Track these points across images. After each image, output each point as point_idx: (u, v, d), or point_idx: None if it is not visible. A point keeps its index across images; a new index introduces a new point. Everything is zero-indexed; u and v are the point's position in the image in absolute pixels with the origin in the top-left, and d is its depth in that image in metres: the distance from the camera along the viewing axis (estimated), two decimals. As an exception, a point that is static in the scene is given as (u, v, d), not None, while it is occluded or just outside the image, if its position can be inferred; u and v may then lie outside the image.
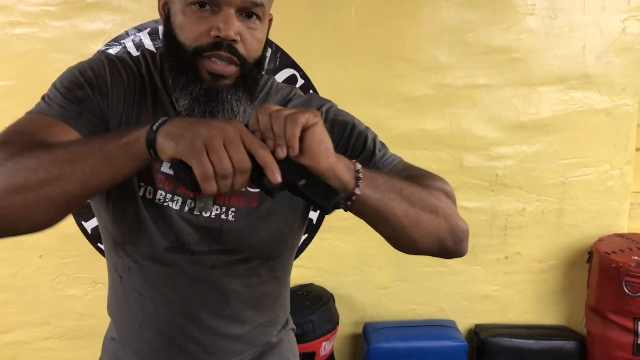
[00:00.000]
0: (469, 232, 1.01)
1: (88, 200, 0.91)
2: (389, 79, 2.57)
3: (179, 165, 0.75)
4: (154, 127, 0.78)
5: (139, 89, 1.03)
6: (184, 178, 0.75)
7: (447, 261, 2.74)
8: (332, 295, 2.66)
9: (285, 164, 0.77)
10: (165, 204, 1.01)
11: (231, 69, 0.95)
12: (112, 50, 2.41)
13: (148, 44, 2.41)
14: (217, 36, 0.92)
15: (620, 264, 2.48)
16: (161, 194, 1.01)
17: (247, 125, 0.81)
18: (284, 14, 2.43)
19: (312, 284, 2.69)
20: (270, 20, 1.04)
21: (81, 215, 2.51)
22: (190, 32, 0.94)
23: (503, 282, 2.81)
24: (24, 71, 2.38)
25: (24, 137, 0.86)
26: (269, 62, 2.47)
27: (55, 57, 2.39)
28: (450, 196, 0.99)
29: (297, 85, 2.48)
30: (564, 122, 2.68)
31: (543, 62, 2.62)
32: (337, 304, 2.67)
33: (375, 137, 1.10)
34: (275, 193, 0.77)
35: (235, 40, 0.93)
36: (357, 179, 0.86)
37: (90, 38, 2.41)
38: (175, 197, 1.01)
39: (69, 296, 2.60)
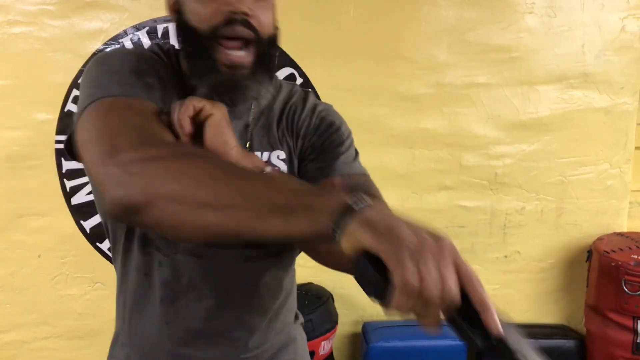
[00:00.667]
0: None
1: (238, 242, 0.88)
2: (388, 78, 2.56)
3: (368, 261, 0.61)
4: (350, 206, 0.65)
5: (174, 82, 1.03)
6: (373, 279, 0.60)
7: (446, 260, 2.73)
8: (331, 295, 2.65)
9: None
10: None
11: (247, 57, 0.97)
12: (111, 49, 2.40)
13: (146, 42, 2.40)
14: (230, 11, 0.93)
15: (620, 263, 2.48)
16: None
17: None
18: (283, 12, 2.43)
19: (311, 283, 2.68)
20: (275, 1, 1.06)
21: (80, 215, 2.50)
22: (203, 13, 0.95)
23: (502, 281, 2.81)
24: (22, 70, 2.38)
25: (141, 127, 0.83)
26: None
27: (53, 57, 2.38)
28: None
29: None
30: (563, 121, 2.68)
31: (542, 61, 2.62)
32: (336, 303, 2.67)
33: (350, 147, 1.10)
34: (484, 350, 0.59)
35: (247, 14, 0.94)
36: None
37: (88, 37, 2.40)
38: None
39: (68, 296, 2.59)
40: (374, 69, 2.54)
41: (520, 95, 2.64)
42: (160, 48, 1.08)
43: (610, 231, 2.78)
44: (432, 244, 0.60)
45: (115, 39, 2.40)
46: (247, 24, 0.95)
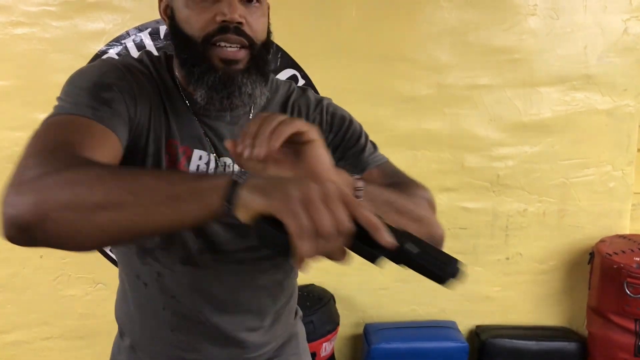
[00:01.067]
0: (444, 238, 1.03)
1: (136, 240, 0.87)
2: (390, 79, 2.56)
3: (267, 222, 0.65)
4: (238, 180, 0.69)
5: (156, 92, 1.04)
6: (274, 237, 0.64)
7: (448, 262, 2.73)
8: (332, 296, 2.65)
9: (388, 229, 0.66)
10: None
11: (242, 54, 0.98)
12: (113, 50, 2.40)
13: (149, 44, 2.41)
14: (223, 21, 0.95)
15: (622, 265, 2.48)
16: None
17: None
18: (285, 14, 2.44)
19: (312, 284, 2.68)
20: (268, 7, 1.07)
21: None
22: (196, 22, 0.96)
23: (504, 283, 2.80)
24: (24, 71, 2.38)
25: (66, 143, 0.82)
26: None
27: (55, 57, 2.39)
28: (432, 205, 1.02)
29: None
30: (565, 122, 2.67)
31: (544, 63, 2.61)
32: (337, 305, 2.66)
33: (367, 136, 1.15)
34: (379, 259, 0.67)
35: (240, 23, 0.96)
36: (357, 195, 0.87)
37: (91, 38, 2.41)
38: None
39: (69, 296, 2.60)
40: (376, 70, 2.54)
41: (522, 96, 2.64)
42: (149, 57, 1.08)
43: (613, 233, 2.77)
44: (314, 187, 0.64)
45: (117, 39, 2.41)
46: (240, 32, 0.96)
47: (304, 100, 1.14)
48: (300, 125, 0.79)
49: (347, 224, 0.64)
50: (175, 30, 1.01)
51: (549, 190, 2.73)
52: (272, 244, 0.65)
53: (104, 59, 1.07)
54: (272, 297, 1.16)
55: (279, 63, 2.48)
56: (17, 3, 2.36)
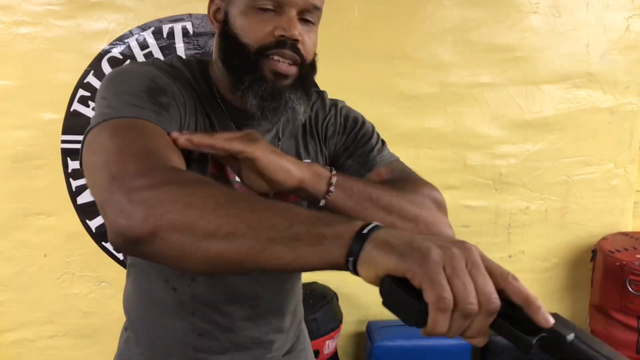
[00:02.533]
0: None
1: (246, 273, 0.84)
2: (392, 77, 2.57)
3: (398, 284, 0.57)
4: (364, 231, 0.62)
5: (194, 95, 1.03)
6: (406, 303, 0.56)
7: (450, 260, 2.73)
8: (335, 294, 2.66)
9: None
10: None
11: (293, 70, 0.99)
12: (116, 50, 2.41)
13: (152, 43, 2.41)
14: (281, 35, 0.95)
15: (625, 263, 2.48)
16: None
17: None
18: (287, 12, 2.44)
19: (315, 282, 2.69)
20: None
21: (85, 214, 2.51)
22: (254, 32, 0.96)
23: (507, 280, 2.80)
24: (28, 70, 2.39)
25: (149, 150, 0.80)
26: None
27: (59, 57, 2.40)
28: (438, 204, 1.03)
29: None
30: (567, 120, 2.68)
31: (547, 61, 2.62)
32: (340, 302, 2.67)
33: (379, 137, 1.18)
34: (533, 347, 0.55)
35: (298, 40, 0.97)
36: (329, 185, 0.92)
37: (94, 37, 2.41)
38: None
39: (74, 294, 2.61)
40: (378, 69, 2.54)
41: (524, 94, 2.64)
42: (181, 61, 1.07)
43: (615, 231, 2.78)
44: (458, 253, 0.56)
45: (120, 39, 2.42)
46: (296, 49, 0.97)
47: (320, 105, 1.18)
48: (237, 146, 0.87)
49: (495, 300, 0.55)
50: (227, 35, 1.00)
51: (552, 188, 2.74)
52: (402, 309, 0.57)
53: (136, 64, 1.04)
54: (291, 297, 1.21)
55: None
56: (20, 2, 2.36)
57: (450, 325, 0.55)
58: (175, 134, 0.88)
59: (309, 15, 0.99)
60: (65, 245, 2.55)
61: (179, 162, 0.84)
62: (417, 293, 0.55)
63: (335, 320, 2.57)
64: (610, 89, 2.66)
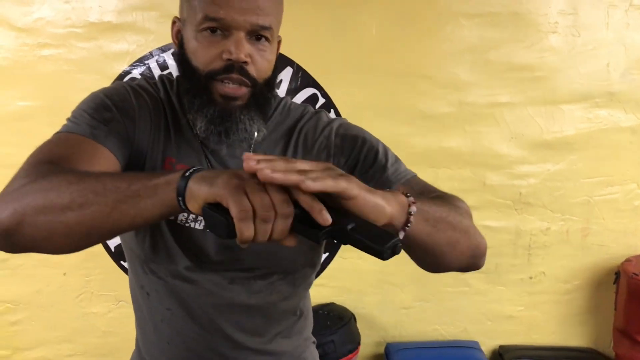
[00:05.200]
0: (487, 246, 1.00)
1: (106, 239, 0.89)
2: (410, 96, 2.57)
3: (212, 208, 0.69)
4: (187, 174, 0.74)
5: (160, 114, 1.06)
6: (218, 221, 0.69)
7: (470, 281, 2.71)
8: (353, 315, 2.64)
9: (329, 209, 0.68)
10: (187, 224, 1.03)
11: (242, 91, 0.99)
12: (137, 71, 2.44)
13: (171, 64, 2.44)
14: (228, 59, 0.96)
15: (649, 285, 2.43)
16: (183, 215, 1.03)
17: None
18: (305, 34, 2.46)
19: (333, 303, 2.67)
20: (279, 42, 1.07)
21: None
22: (202, 56, 0.98)
23: (527, 302, 2.77)
24: (50, 91, 2.43)
25: (56, 158, 0.87)
26: (290, 82, 2.49)
27: (80, 78, 2.43)
28: (470, 215, 1.00)
29: (318, 105, 2.49)
30: (588, 140, 2.65)
31: (566, 80, 2.60)
32: (358, 324, 2.65)
33: (387, 151, 1.10)
34: (322, 238, 0.69)
35: (246, 62, 0.97)
36: (409, 215, 0.81)
37: (115, 59, 2.45)
38: (199, 218, 1.03)
39: (92, 313, 2.62)
40: (396, 88, 2.55)
41: (544, 114, 2.62)
42: (162, 80, 1.11)
43: (639, 252, 2.72)
44: (250, 177, 0.68)
45: (141, 60, 2.45)
46: (244, 72, 0.97)
47: (312, 123, 1.11)
48: (343, 185, 0.70)
49: (288, 206, 0.67)
50: (182, 58, 1.02)
51: (572, 208, 2.70)
52: (217, 227, 0.69)
53: (118, 82, 1.10)
54: (266, 318, 1.13)
55: (299, 82, 2.50)
56: (44, 25, 2.41)
57: (256, 231, 0.67)
58: (249, 155, 0.73)
59: (261, 33, 0.98)
60: (85, 264, 2.56)
61: (89, 168, 0.88)
62: (227, 211, 0.67)
63: (353, 341, 2.54)
64: (632, 108, 2.63)
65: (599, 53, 2.60)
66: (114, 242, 2.53)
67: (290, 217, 0.68)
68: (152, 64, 2.45)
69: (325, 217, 0.67)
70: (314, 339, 1.30)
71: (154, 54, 2.45)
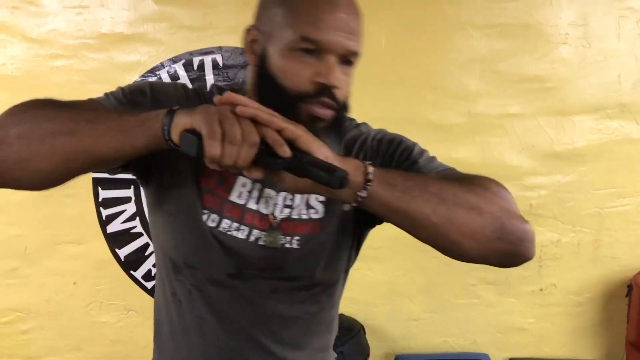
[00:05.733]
0: (533, 232, 0.96)
1: (87, 169, 0.91)
2: (420, 107, 2.57)
3: (189, 131, 0.78)
4: (174, 108, 0.82)
5: None
6: (190, 140, 0.77)
7: (480, 292, 2.69)
8: (362, 326, 2.62)
9: (290, 147, 0.79)
10: (230, 232, 1.02)
11: (329, 113, 0.96)
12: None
13: (182, 75, 2.46)
14: (321, 83, 0.93)
15: (661, 298, 2.41)
16: (227, 223, 1.02)
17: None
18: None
19: (342, 314, 2.64)
20: None
21: (115, 243, 2.54)
22: (293, 76, 0.94)
23: (538, 314, 2.74)
24: (62, 101, 2.45)
25: (63, 103, 0.90)
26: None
27: (92, 88, 2.42)
28: (502, 196, 0.96)
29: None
30: (599, 151, 2.63)
31: (577, 91, 2.59)
32: (367, 335, 2.63)
33: (422, 150, 1.11)
34: (279, 168, 0.79)
35: (337, 87, 0.94)
36: (367, 179, 0.85)
37: (126, 69, 2.47)
38: (242, 227, 1.02)
39: (101, 322, 2.62)
40: (406, 98, 2.55)
41: (554, 125, 2.61)
42: (217, 89, 1.08)
43: (651, 265, 2.70)
44: (230, 109, 0.77)
45: (152, 71, 2.47)
46: (333, 97, 0.95)
47: (354, 133, 1.14)
48: (281, 123, 0.82)
49: (254, 136, 0.77)
50: (264, 74, 0.98)
51: (583, 220, 2.68)
52: (189, 148, 0.77)
53: (172, 82, 1.16)
54: (305, 329, 1.12)
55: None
56: (57, 37, 2.44)
57: (222, 152, 0.75)
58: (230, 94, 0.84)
59: (351, 59, 0.96)
60: (95, 274, 2.57)
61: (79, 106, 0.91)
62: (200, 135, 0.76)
63: (362, 353, 2.53)
64: (643, 119, 2.62)
65: (610, 64, 2.59)
66: (124, 252, 2.54)
67: (255, 146, 0.77)
68: (163, 74, 2.47)
69: (285, 150, 0.77)
70: (335, 355, 1.29)
71: (165, 64, 2.47)
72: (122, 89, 1.02)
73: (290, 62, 0.94)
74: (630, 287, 2.64)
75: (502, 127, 2.60)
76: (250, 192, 1.04)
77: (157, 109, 0.91)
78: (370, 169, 0.86)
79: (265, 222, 1.03)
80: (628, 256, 2.71)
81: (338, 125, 1.01)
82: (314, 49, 0.93)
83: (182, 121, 0.79)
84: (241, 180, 1.03)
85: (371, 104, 2.52)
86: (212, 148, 0.75)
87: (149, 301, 2.64)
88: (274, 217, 1.03)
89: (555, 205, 2.67)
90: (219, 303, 1.06)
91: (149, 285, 2.58)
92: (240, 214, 1.02)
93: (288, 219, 1.04)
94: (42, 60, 2.45)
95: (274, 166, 0.79)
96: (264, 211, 1.03)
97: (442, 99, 2.56)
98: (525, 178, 2.64)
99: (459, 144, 2.60)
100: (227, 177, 1.03)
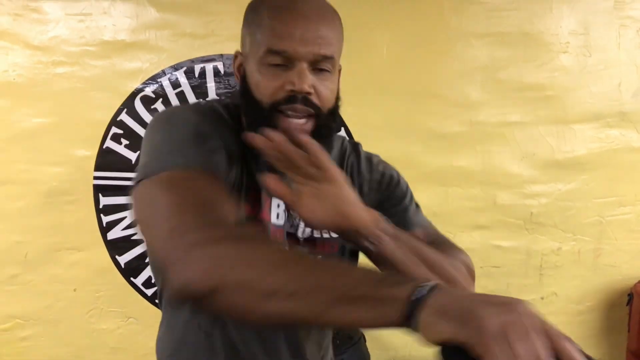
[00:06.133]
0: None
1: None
2: (421, 115, 2.57)
3: (454, 353, 0.57)
4: (414, 297, 0.63)
5: (235, 139, 1.02)
6: None
7: (480, 301, 2.68)
8: (363, 335, 2.62)
9: None
10: None
11: (308, 126, 0.97)
12: (149, 89, 2.47)
13: (184, 82, 2.46)
14: (291, 90, 0.94)
15: (662, 307, 2.40)
16: None
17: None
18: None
19: (342, 322, 2.65)
20: (339, 71, 1.06)
21: (115, 250, 2.54)
22: (265, 88, 0.96)
23: (539, 323, 2.73)
24: (63, 108, 2.46)
25: (208, 204, 0.83)
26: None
27: (94, 95, 2.46)
28: (470, 271, 1.05)
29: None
30: (600, 160, 2.63)
31: (578, 100, 2.59)
32: (368, 343, 2.62)
33: (412, 197, 1.17)
34: None
35: (309, 93, 0.95)
36: (381, 232, 0.92)
37: (128, 77, 2.48)
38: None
39: (102, 330, 2.62)
40: (407, 107, 2.55)
41: (555, 133, 2.61)
42: (220, 104, 1.07)
43: (652, 274, 2.70)
44: (516, 318, 0.56)
45: (153, 78, 2.47)
46: (308, 102, 0.96)
47: (355, 156, 1.17)
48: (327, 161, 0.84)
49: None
50: (245, 91, 1.00)
51: (584, 228, 2.68)
52: None
53: (181, 108, 1.09)
54: (318, 345, 1.18)
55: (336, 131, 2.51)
56: (59, 44, 2.45)
57: None
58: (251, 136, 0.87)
59: (322, 65, 0.97)
60: (95, 281, 2.57)
61: (231, 209, 0.85)
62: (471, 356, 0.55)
63: (362, 361, 2.52)
64: (644, 128, 2.62)
65: (611, 73, 2.59)
66: (124, 259, 2.54)
67: None
68: (165, 82, 2.48)
69: None
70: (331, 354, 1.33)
71: (166, 72, 2.48)
72: (188, 141, 0.92)
73: (263, 76, 0.96)
74: (631, 295, 2.64)
75: (503, 136, 2.60)
76: (285, 210, 1.06)
77: (223, 145, 0.95)
78: (386, 226, 0.94)
79: (289, 239, 1.06)
80: (629, 265, 2.71)
81: (322, 134, 1.00)
82: (282, 60, 0.95)
83: (442, 329, 0.59)
84: (275, 201, 1.05)
85: (373, 113, 2.53)
86: None
87: (149, 308, 2.64)
88: (298, 235, 1.07)
89: (556, 213, 2.66)
90: (255, 333, 1.08)
91: (149, 292, 2.58)
92: (282, 236, 1.05)
93: (310, 238, 1.08)
94: (44, 67, 2.45)
95: None
96: (289, 230, 1.05)
97: (443, 107, 2.57)
98: (526, 186, 2.64)
99: (460, 153, 2.60)
100: (266, 199, 1.04)
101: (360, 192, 1.10)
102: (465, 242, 2.60)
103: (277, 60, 0.95)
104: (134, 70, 2.48)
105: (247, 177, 1.02)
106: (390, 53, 2.51)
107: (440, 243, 1.07)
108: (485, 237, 2.64)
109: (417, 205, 1.16)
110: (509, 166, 2.63)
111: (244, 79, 1.02)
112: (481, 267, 2.62)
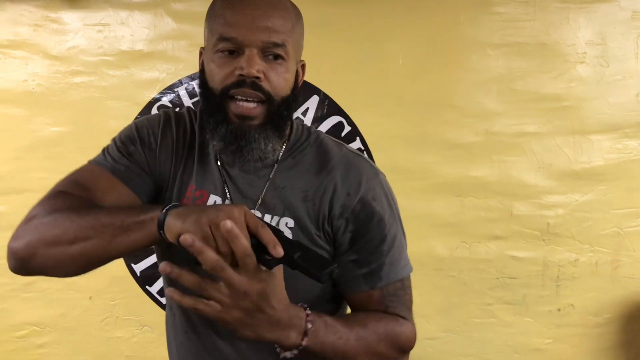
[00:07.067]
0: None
1: (106, 263, 0.99)
2: (437, 125, 2.56)
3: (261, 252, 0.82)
4: (164, 210, 0.88)
5: (185, 141, 1.11)
6: (187, 253, 0.80)
7: (496, 312, 2.66)
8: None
9: (281, 240, 0.84)
10: None
11: (257, 110, 1.01)
12: (166, 98, 2.49)
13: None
14: (240, 74, 0.98)
15: (682, 320, 2.36)
16: None
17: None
18: (332, 63, 2.49)
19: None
20: (303, 66, 1.10)
21: (131, 258, 2.55)
22: (217, 74, 1.01)
23: (556, 335, 2.70)
24: (81, 117, 2.48)
25: (76, 188, 1.01)
26: (316, 110, 2.51)
27: (111, 105, 2.49)
28: (401, 344, 1.15)
29: (344, 133, 2.50)
30: (617, 171, 2.61)
31: (595, 110, 2.57)
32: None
33: (394, 242, 1.12)
34: (273, 266, 0.84)
35: (258, 77, 0.99)
36: (304, 335, 0.95)
37: (145, 86, 2.50)
38: None
39: (116, 338, 2.63)
40: (423, 117, 2.55)
41: (572, 144, 2.59)
42: (188, 110, 1.17)
43: (671, 286, 2.66)
44: (225, 213, 0.81)
45: (170, 88, 2.49)
46: (257, 87, 0.99)
47: (343, 173, 1.09)
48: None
49: (244, 248, 0.80)
50: (201, 82, 1.06)
51: (602, 240, 2.65)
52: (186, 259, 0.83)
53: (158, 113, 1.18)
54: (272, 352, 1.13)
55: (325, 110, 2.52)
56: (77, 54, 2.48)
57: (217, 265, 0.80)
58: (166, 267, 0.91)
59: (273, 51, 1.00)
60: (110, 289, 2.58)
61: (103, 200, 1.01)
62: None
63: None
64: (662, 139, 2.59)
65: (628, 83, 2.57)
66: (139, 267, 2.55)
67: (252, 257, 0.82)
68: (182, 91, 2.50)
69: (277, 251, 0.81)
70: None
71: (183, 82, 2.50)
72: (114, 142, 1.11)
73: (215, 64, 1.02)
74: (650, 308, 2.60)
75: (520, 146, 2.59)
76: None
77: (149, 152, 1.08)
78: (309, 325, 0.96)
79: None
80: (647, 277, 2.67)
81: (274, 123, 1.03)
82: (233, 47, 0.99)
83: (176, 227, 0.85)
84: (213, 198, 1.10)
85: (388, 122, 2.53)
86: (208, 259, 0.80)
87: (164, 317, 2.64)
88: None
89: (573, 224, 2.64)
90: (195, 317, 1.13)
91: (164, 300, 2.58)
92: None
93: None
94: (62, 77, 2.48)
95: (268, 265, 0.84)
96: None
97: (459, 117, 2.56)
98: (543, 197, 2.62)
99: (476, 163, 2.59)
100: (202, 194, 1.10)
101: (330, 211, 1.07)
102: (481, 252, 2.59)
103: (228, 46, 0.99)
104: (151, 80, 2.50)
105: (188, 174, 1.10)
106: (406, 63, 2.51)
107: (394, 306, 1.13)
108: (502, 247, 2.62)
109: (399, 252, 1.13)
110: (525, 177, 2.61)
111: (202, 71, 1.07)
112: (497, 278, 2.60)
